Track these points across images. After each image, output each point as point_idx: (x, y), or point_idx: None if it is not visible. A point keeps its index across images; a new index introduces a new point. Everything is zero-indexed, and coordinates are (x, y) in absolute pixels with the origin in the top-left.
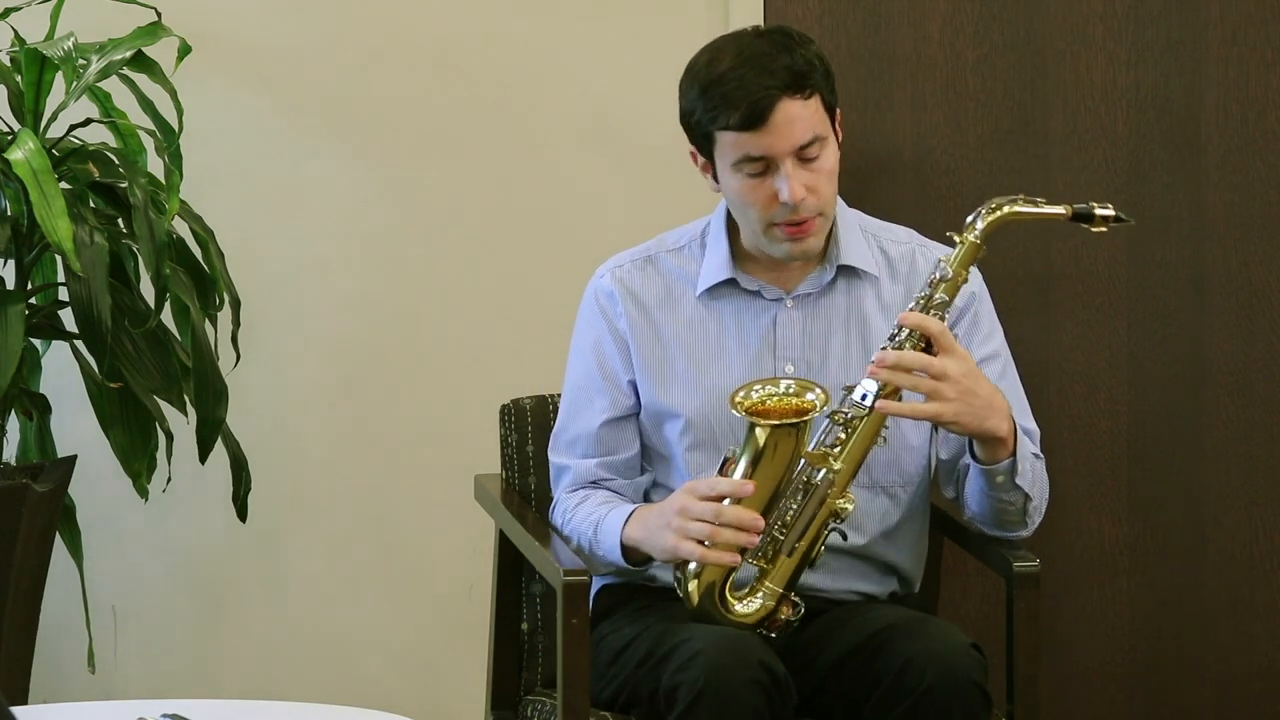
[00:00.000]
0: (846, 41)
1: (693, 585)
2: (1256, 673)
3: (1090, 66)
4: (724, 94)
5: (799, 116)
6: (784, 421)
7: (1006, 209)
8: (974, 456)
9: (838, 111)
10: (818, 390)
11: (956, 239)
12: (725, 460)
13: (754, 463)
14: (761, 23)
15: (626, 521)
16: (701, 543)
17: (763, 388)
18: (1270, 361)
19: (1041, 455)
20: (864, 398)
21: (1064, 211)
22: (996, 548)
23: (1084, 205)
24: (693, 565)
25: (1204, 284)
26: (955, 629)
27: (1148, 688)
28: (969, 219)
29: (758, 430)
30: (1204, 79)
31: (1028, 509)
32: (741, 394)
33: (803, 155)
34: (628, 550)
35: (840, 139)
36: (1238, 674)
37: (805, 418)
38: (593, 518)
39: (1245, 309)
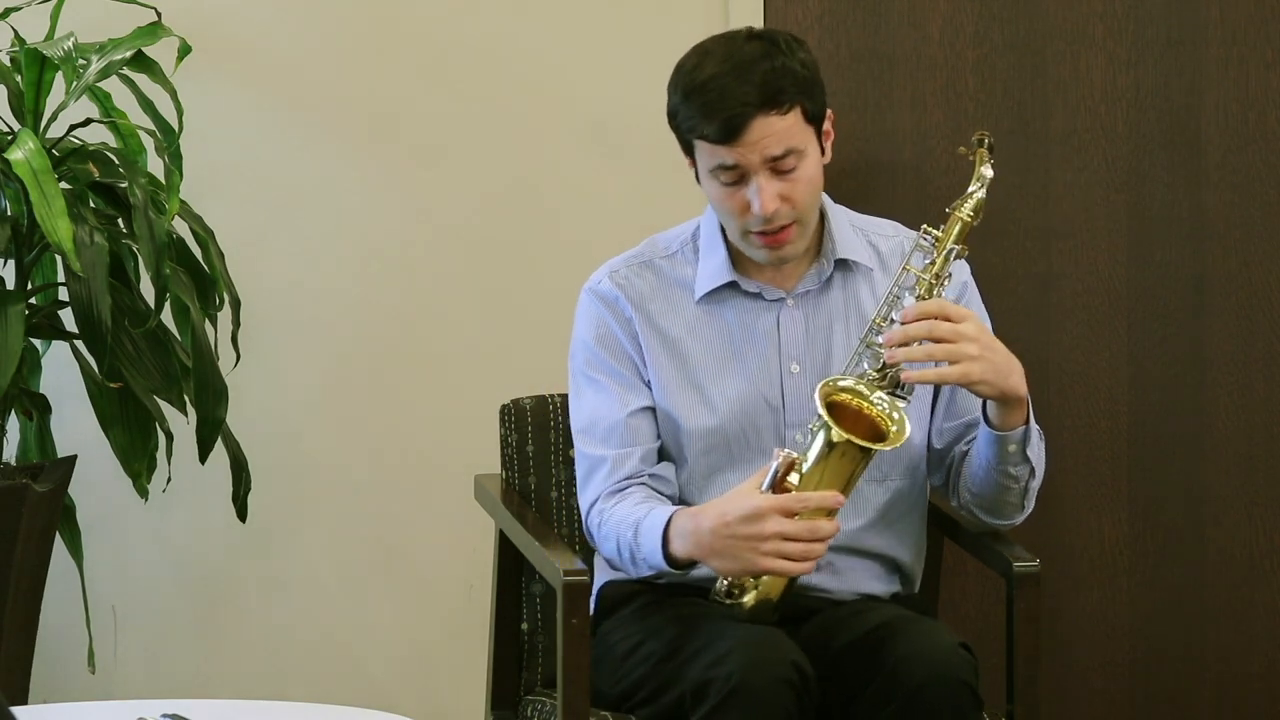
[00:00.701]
0: (846, 41)
1: (750, 596)
2: (1256, 673)
3: (1090, 66)
4: (703, 104)
5: (773, 132)
6: (861, 442)
7: (989, 176)
8: (988, 423)
9: (828, 114)
10: (898, 429)
11: (957, 215)
12: (781, 464)
13: (821, 464)
14: (762, 23)
15: (667, 531)
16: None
17: (853, 383)
18: (1270, 361)
19: (1042, 434)
20: (902, 387)
21: (986, 153)
22: (996, 547)
23: (988, 145)
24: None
25: (1204, 284)
26: (944, 629)
27: (1148, 688)
28: (967, 194)
29: (834, 433)
30: (1204, 79)
31: (1029, 488)
32: (829, 385)
33: (777, 167)
34: (673, 558)
35: (830, 140)
36: (1238, 674)
37: (882, 447)
38: (631, 518)
39: (1245, 309)
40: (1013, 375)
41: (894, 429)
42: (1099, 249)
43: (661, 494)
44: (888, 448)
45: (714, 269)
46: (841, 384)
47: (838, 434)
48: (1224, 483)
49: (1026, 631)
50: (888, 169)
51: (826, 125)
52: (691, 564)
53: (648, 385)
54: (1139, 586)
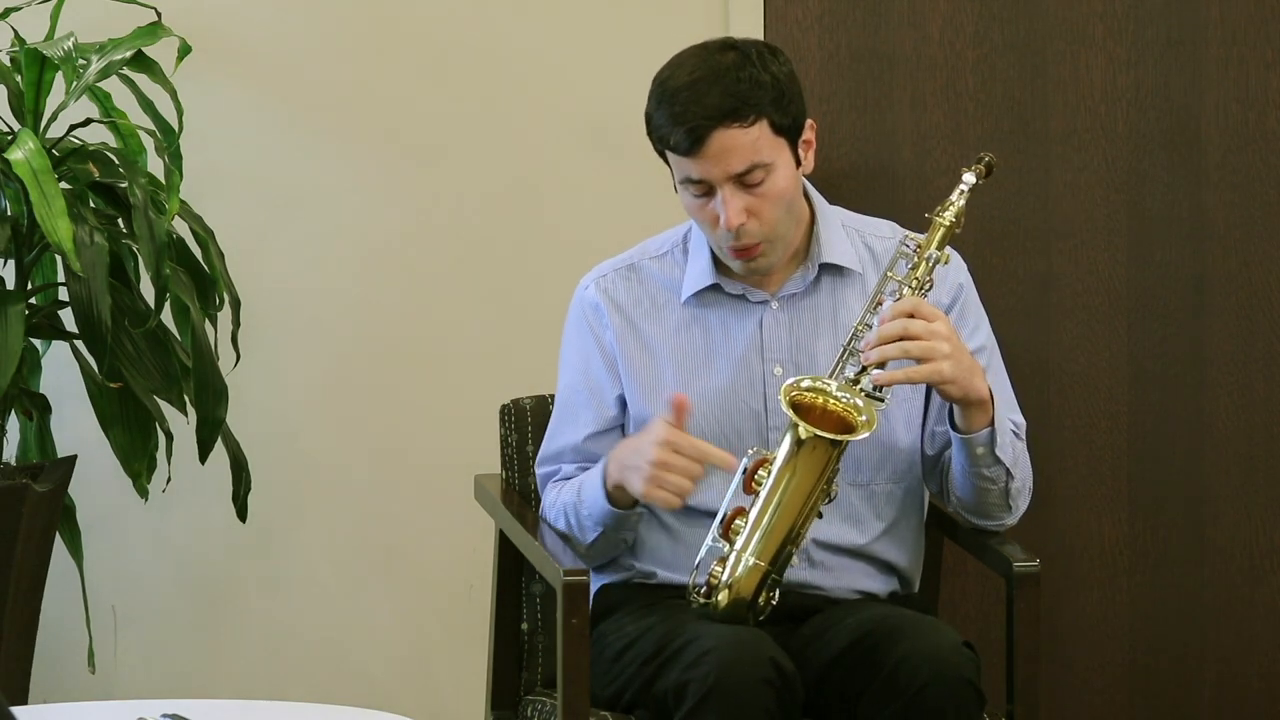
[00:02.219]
0: (846, 41)
1: (723, 596)
2: (1256, 673)
3: (1090, 66)
4: (671, 115)
5: (735, 146)
6: (828, 435)
7: (971, 183)
8: (954, 427)
9: (809, 124)
10: (867, 419)
11: (939, 222)
12: (752, 461)
13: (791, 461)
14: (762, 22)
15: (606, 466)
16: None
17: (814, 383)
18: (1270, 361)
19: (1022, 437)
20: (878, 389)
21: (983, 169)
22: (996, 547)
23: (986, 163)
24: (725, 575)
25: (1204, 284)
26: (947, 628)
27: (1148, 688)
28: (948, 201)
29: (801, 430)
30: (1204, 79)
31: (1010, 489)
32: (792, 385)
33: (743, 181)
34: (613, 495)
35: (810, 150)
36: (1238, 674)
37: (850, 437)
38: (574, 482)
39: (1245, 309)
40: (975, 376)
41: (862, 419)
42: (1099, 249)
43: None
44: (855, 438)
45: (699, 271)
46: (804, 384)
47: (804, 430)
48: (1224, 483)
49: (1026, 631)
50: (888, 169)
51: (807, 134)
52: (628, 504)
53: (620, 399)
54: (1139, 586)
